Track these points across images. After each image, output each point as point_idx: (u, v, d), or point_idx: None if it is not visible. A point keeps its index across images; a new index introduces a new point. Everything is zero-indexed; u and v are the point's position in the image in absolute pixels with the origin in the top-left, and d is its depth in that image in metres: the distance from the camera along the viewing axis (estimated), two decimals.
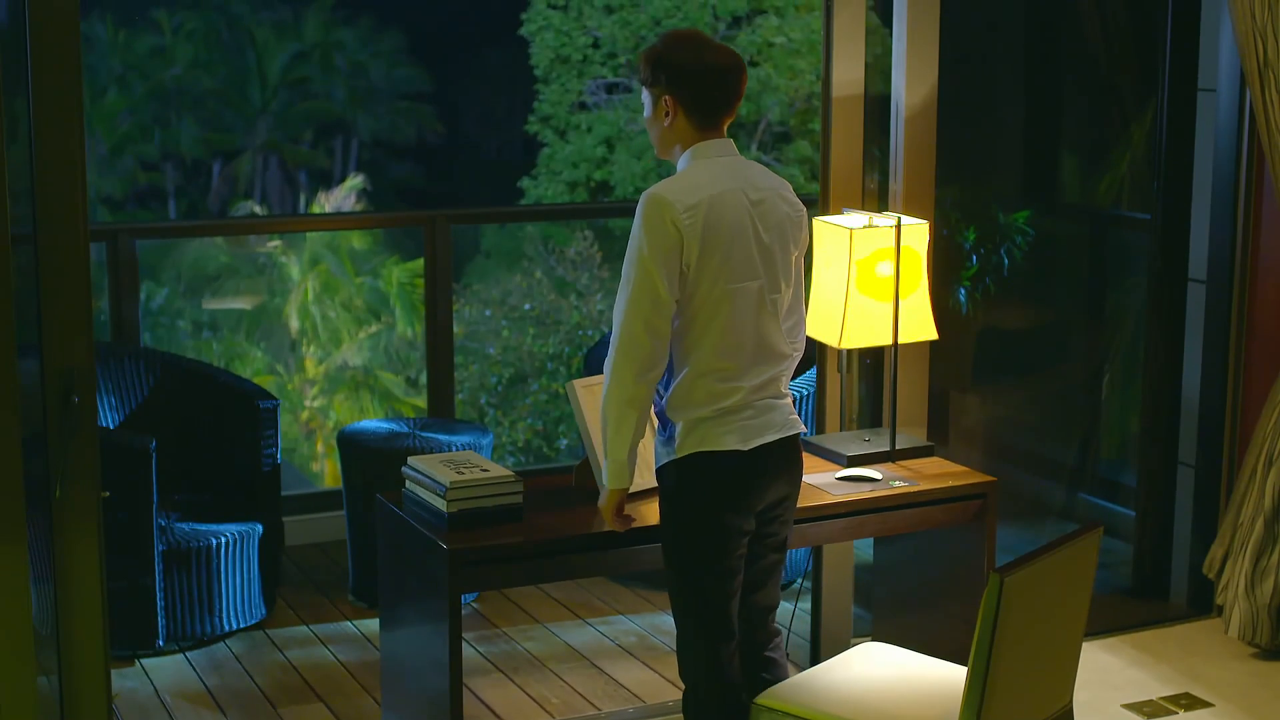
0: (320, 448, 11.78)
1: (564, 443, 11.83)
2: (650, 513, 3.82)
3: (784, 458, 3.62)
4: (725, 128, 3.57)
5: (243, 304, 12.78)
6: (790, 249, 3.59)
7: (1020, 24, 5.96)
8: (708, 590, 3.58)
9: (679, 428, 3.51)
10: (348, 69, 16.04)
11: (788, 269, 3.59)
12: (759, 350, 3.55)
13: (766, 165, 13.72)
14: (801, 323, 3.68)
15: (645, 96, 3.59)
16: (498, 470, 3.75)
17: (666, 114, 3.52)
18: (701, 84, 3.50)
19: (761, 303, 3.53)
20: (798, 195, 3.65)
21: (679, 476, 3.53)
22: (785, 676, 3.74)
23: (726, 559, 3.57)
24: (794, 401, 3.71)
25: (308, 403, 12.05)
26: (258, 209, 15.30)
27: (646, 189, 3.46)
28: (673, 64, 3.50)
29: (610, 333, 3.51)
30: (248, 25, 15.86)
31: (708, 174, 3.48)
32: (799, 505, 3.80)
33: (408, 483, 3.81)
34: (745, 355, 3.53)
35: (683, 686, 3.71)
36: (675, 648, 3.73)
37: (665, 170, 13.24)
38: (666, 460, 3.55)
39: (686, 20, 13.35)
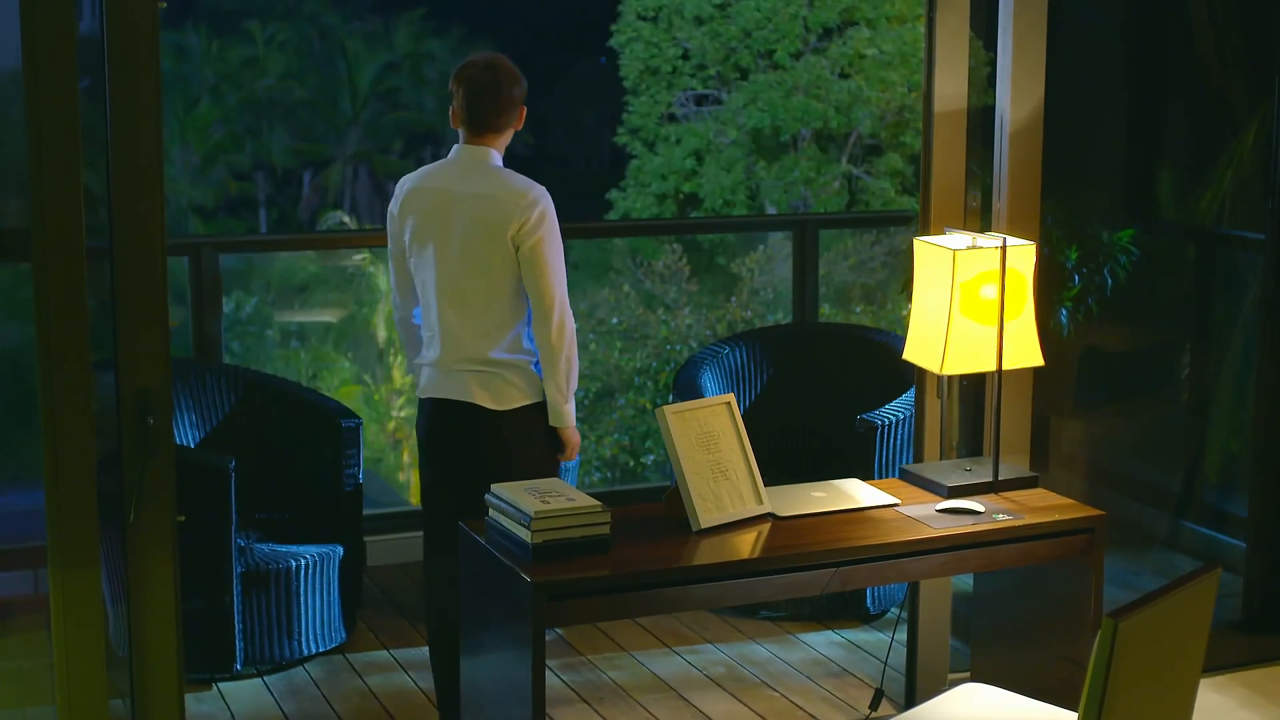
0: (406, 458, 11.73)
1: (650, 458, 11.69)
2: (743, 545, 3.67)
3: None
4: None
5: (330, 315, 12.77)
6: None
7: (1121, 30, 5.77)
8: None
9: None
10: (438, 79, 16.04)
11: None
12: None
13: (857, 178, 13.63)
14: None
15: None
16: (584, 499, 3.61)
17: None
18: None
19: None
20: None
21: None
22: None
23: None
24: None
25: (394, 413, 11.99)
26: (347, 219, 15.31)
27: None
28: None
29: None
30: (339, 36, 15.93)
31: None
32: (899, 539, 3.73)
33: (491, 511, 3.68)
34: None
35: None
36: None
37: (753, 182, 13.11)
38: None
39: (777, 32, 13.17)
